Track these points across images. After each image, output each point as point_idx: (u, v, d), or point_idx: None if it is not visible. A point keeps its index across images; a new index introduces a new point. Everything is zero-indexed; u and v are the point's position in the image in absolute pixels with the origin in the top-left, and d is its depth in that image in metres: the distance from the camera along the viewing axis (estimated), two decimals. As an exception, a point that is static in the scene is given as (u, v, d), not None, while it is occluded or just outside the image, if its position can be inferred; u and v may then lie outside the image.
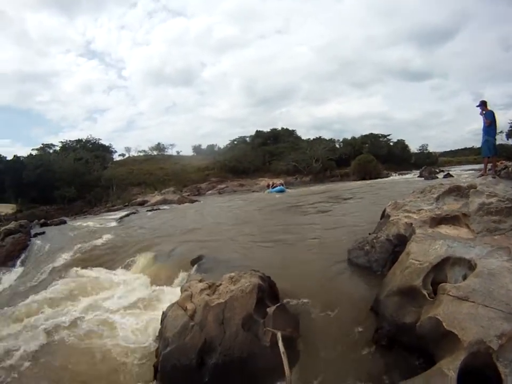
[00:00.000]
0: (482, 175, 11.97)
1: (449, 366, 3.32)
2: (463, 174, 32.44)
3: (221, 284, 5.44)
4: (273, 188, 41.23)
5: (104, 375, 5.54)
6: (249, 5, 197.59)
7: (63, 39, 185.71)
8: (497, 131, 12.80)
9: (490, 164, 13.13)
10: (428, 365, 3.76)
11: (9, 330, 7.43)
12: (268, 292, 5.37)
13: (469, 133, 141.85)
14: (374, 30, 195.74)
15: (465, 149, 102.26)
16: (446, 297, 3.87)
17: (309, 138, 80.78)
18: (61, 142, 78.16)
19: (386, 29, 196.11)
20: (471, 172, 32.31)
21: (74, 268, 11.26)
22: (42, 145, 75.23)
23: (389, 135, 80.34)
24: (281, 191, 37.78)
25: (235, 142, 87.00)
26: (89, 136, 79.62)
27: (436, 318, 3.74)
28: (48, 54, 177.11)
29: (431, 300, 4.10)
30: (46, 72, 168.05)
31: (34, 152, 68.65)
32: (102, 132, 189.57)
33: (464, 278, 4.17)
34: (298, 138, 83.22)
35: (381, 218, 7.57)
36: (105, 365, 5.76)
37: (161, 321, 5.54)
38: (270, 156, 73.10)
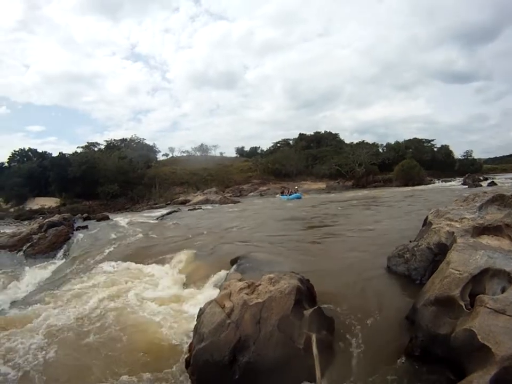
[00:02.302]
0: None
1: (480, 380, 3.30)
2: (507, 182, 31.73)
3: (260, 284, 5.47)
4: (290, 194, 40.75)
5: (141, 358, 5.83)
6: (289, 8, 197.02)
7: (108, 42, 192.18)
8: None
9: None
10: (459, 378, 3.72)
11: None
12: (306, 294, 5.36)
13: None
14: (415, 30, 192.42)
15: (511, 155, 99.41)
16: (483, 309, 3.83)
17: (352, 142, 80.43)
18: (106, 140, 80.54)
19: (428, 29, 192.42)
20: (516, 180, 31.51)
21: (115, 262, 11.53)
22: (87, 144, 77.32)
23: (432, 140, 79.46)
24: (297, 198, 37.78)
25: (278, 145, 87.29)
26: (133, 136, 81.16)
27: (471, 330, 3.70)
28: (94, 56, 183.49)
29: (468, 311, 4.05)
30: (92, 73, 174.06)
31: (79, 150, 70.77)
32: (146, 132, 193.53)
33: (503, 290, 4.11)
34: (341, 142, 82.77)
35: (422, 226, 7.46)
36: (145, 351, 6.02)
37: (198, 316, 5.58)
38: (313, 159, 72.95)
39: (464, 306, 4.11)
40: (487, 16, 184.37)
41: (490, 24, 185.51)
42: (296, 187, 47.18)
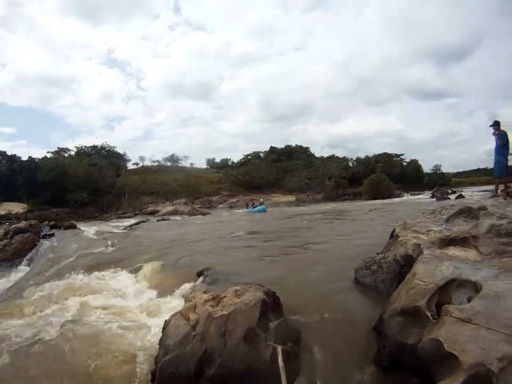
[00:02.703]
0: (494, 196, 11.91)
1: (448, 387, 3.29)
2: (475, 195, 32.34)
3: (225, 296, 5.43)
4: (254, 207, 40.81)
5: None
6: (268, 21, 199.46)
7: (86, 46, 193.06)
8: (510, 152, 12.72)
9: (503, 186, 13.06)
10: (429, 386, 3.72)
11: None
12: (271, 306, 5.32)
13: (483, 153, 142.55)
14: (391, 47, 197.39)
15: (479, 169, 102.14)
16: (449, 318, 3.85)
17: (322, 156, 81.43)
18: (76, 147, 79.95)
19: (403, 46, 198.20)
20: (483, 193, 32.15)
21: (79, 270, 11.35)
22: (57, 149, 76.58)
23: (402, 154, 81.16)
24: (262, 211, 37.31)
25: (249, 157, 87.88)
26: (104, 143, 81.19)
27: (437, 339, 3.72)
28: (71, 59, 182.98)
29: (434, 321, 4.08)
30: (68, 77, 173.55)
31: (49, 155, 70.01)
32: (118, 140, 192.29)
33: (469, 300, 4.13)
34: (312, 155, 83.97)
35: (389, 239, 7.53)
36: (108, 364, 5.76)
37: (163, 329, 5.55)
38: (283, 172, 73.81)
39: (430, 317, 4.14)
40: (459, 36, 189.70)
41: (462, 43, 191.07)
42: (261, 200, 47.24)
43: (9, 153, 69.47)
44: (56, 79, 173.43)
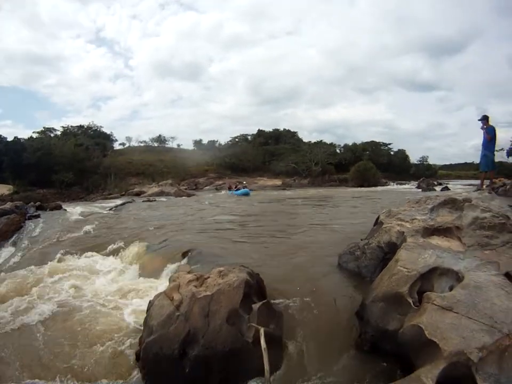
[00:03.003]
0: (479, 189, 12.00)
1: (428, 375, 3.35)
2: (460, 188, 32.52)
3: (209, 277, 5.45)
4: (237, 189, 39.63)
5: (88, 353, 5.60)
6: (261, 3, 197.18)
7: (74, 24, 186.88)
8: (498, 148, 12.80)
9: (488, 180, 13.16)
10: (408, 372, 3.77)
11: None
12: (255, 288, 5.37)
13: (470, 148, 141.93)
14: (384, 37, 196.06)
15: (466, 163, 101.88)
16: (430, 306, 3.90)
17: (310, 141, 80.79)
18: (63, 126, 78.22)
19: (396, 37, 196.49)
20: (469, 187, 32.28)
21: (65, 251, 11.30)
22: (43, 129, 75.16)
23: (390, 144, 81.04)
24: (245, 194, 35.71)
25: (236, 140, 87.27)
26: (91, 123, 79.68)
27: (418, 326, 3.77)
28: (58, 37, 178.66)
29: (416, 308, 4.13)
30: (54, 55, 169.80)
31: (35, 135, 68.89)
32: (104, 120, 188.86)
33: (451, 289, 4.18)
34: (300, 140, 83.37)
35: (374, 225, 7.55)
36: (91, 345, 5.79)
37: (147, 309, 5.54)
38: (270, 155, 73.37)
39: (412, 303, 4.19)
40: (453, 31, 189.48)
41: (456, 38, 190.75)
42: (244, 182, 46.56)
43: None
44: (43, 58, 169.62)
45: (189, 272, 5.88)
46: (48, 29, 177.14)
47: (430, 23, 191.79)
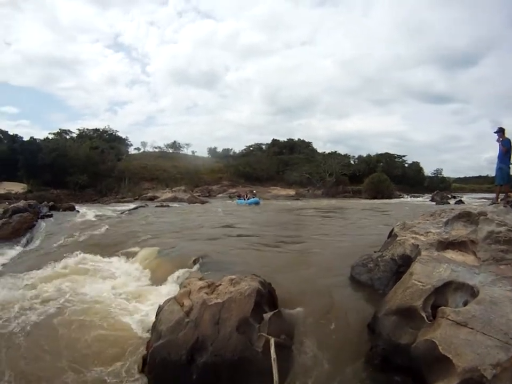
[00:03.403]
0: (494, 203, 11.85)
1: (441, 391, 3.27)
2: (474, 202, 32.27)
3: (220, 284, 5.42)
4: (247, 198, 39.00)
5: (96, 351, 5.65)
6: (277, 13, 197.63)
7: (93, 29, 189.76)
8: None
9: (504, 193, 12.99)
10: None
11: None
12: (267, 297, 5.32)
13: (485, 160, 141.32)
14: (398, 48, 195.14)
15: (480, 177, 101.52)
16: (445, 321, 3.84)
17: (324, 152, 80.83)
18: (78, 129, 79.32)
19: (410, 48, 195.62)
20: (483, 200, 32.03)
21: (76, 253, 11.30)
22: (59, 130, 75.96)
23: (404, 156, 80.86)
24: (255, 203, 35.69)
25: (251, 148, 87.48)
26: (106, 127, 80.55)
27: (432, 341, 3.71)
28: (76, 41, 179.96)
29: (429, 322, 4.05)
30: (73, 59, 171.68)
31: (51, 136, 69.80)
32: (120, 124, 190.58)
33: (465, 304, 4.11)
34: (314, 150, 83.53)
35: (388, 238, 7.48)
36: (101, 347, 5.81)
37: (156, 314, 5.53)
38: (284, 165, 73.42)
39: (425, 318, 4.12)
40: (468, 42, 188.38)
41: (471, 50, 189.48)
42: (254, 191, 46.17)
43: (11, 132, 69.70)
44: (61, 61, 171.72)
45: (200, 279, 5.85)
46: (67, 32, 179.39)
47: (444, 34, 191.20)
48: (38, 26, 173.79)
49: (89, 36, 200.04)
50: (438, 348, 3.59)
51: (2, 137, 68.99)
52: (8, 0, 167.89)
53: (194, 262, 8.75)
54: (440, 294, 4.35)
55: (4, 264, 12.11)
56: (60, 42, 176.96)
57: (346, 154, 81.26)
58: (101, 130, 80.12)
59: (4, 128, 71.91)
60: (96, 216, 21.09)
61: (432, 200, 40.21)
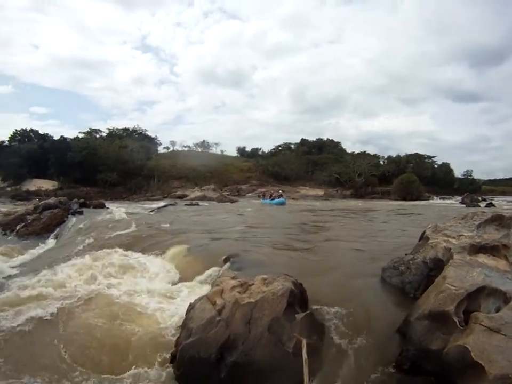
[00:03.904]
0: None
1: (472, 398, 3.25)
2: (506, 205, 31.72)
3: (253, 284, 5.45)
4: (272, 198, 37.36)
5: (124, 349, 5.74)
6: (303, 12, 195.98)
7: (120, 30, 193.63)
8: None
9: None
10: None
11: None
12: (298, 298, 5.33)
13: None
14: (426, 46, 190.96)
15: (511, 179, 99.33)
16: (478, 326, 3.81)
17: (353, 152, 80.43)
18: (108, 128, 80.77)
19: (438, 46, 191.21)
20: (514, 203, 31.49)
21: (107, 249, 11.48)
22: (89, 130, 77.38)
23: (434, 156, 79.73)
24: (281, 203, 34.33)
25: (280, 148, 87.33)
26: (136, 126, 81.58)
27: (465, 347, 3.68)
28: (104, 43, 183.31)
29: (462, 328, 4.02)
30: (101, 60, 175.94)
31: (81, 135, 71.23)
32: (149, 124, 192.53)
33: (497, 310, 4.08)
34: (343, 150, 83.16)
35: (419, 240, 7.40)
36: (125, 338, 5.97)
37: (187, 311, 5.57)
38: (313, 165, 73.23)
39: (458, 323, 4.09)
40: (498, 38, 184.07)
41: (501, 47, 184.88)
42: (280, 191, 44.24)
43: (41, 132, 72.31)
44: (90, 63, 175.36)
45: (233, 278, 5.88)
46: (94, 34, 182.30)
47: (473, 30, 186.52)
48: (65, 29, 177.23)
49: (116, 37, 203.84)
50: (471, 354, 3.56)
51: (33, 136, 70.86)
52: (33, 5, 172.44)
53: (225, 261, 8.80)
54: (473, 299, 4.30)
55: (32, 260, 12.40)
56: (87, 44, 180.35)
57: (375, 154, 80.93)
58: (130, 129, 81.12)
59: (34, 128, 73.86)
60: (126, 213, 21.33)
61: (462, 202, 39.59)
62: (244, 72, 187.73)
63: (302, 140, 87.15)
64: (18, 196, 45.30)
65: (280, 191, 43.99)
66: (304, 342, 4.28)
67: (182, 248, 10.76)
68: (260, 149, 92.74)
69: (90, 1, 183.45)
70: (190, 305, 5.66)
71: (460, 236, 6.16)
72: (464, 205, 34.95)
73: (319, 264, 8.45)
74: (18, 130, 73.03)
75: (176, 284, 8.58)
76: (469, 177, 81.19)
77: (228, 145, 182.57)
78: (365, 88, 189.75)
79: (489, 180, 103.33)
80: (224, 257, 8.97)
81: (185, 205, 30.11)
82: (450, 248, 5.77)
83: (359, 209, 26.95)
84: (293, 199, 49.38)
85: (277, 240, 11.61)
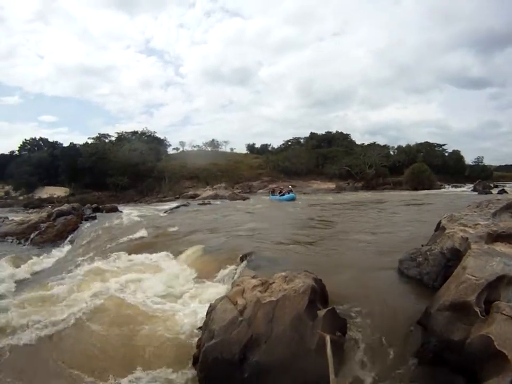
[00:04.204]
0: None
1: (496, 387, 3.24)
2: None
3: (274, 282, 5.46)
4: (282, 194, 35.31)
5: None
6: (306, 6, 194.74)
7: (124, 36, 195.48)
8: None
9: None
10: (471, 384, 3.68)
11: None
12: (319, 294, 5.34)
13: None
14: (431, 34, 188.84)
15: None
16: (500, 316, 3.82)
17: (363, 144, 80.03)
18: (117, 132, 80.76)
19: (443, 33, 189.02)
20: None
21: (123, 253, 11.61)
22: (98, 135, 77.56)
23: (444, 144, 78.78)
24: (291, 199, 32.39)
25: (289, 143, 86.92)
26: (144, 129, 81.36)
27: (488, 337, 3.69)
28: (108, 49, 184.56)
29: (483, 318, 4.02)
30: (106, 66, 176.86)
31: (90, 141, 71.58)
32: (157, 126, 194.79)
33: (517, 299, 4.08)
34: (352, 142, 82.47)
35: (435, 230, 7.37)
36: (151, 345, 6.02)
37: (208, 312, 5.60)
38: (323, 158, 72.75)
39: (479, 313, 4.08)
40: (504, 22, 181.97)
41: (508, 31, 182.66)
42: (289, 186, 44.07)
43: (50, 140, 73.49)
44: (94, 69, 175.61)
45: (253, 277, 5.92)
46: (98, 41, 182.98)
47: (479, 15, 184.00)
48: (69, 37, 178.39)
49: (120, 43, 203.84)
50: (494, 343, 3.57)
51: (42, 144, 71.66)
52: (36, 16, 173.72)
53: (241, 259, 8.84)
54: (493, 289, 4.29)
55: (47, 268, 12.49)
56: (92, 51, 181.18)
57: (385, 145, 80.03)
58: (139, 132, 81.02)
59: (43, 136, 74.64)
60: (139, 216, 21.40)
61: (474, 190, 39.20)
62: (249, 69, 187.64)
63: (311, 133, 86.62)
64: (31, 204, 45.49)
65: (290, 186, 43.47)
66: (327, 338, 4.30)
67: (197, 248, 10.83)
68: (270, 145, 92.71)
69: (93, 9, 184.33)
70: (210, 306, 5.68)
71: (476, 224, 6.12)
72: (477, 192, 34.62)
73: (334, 258, 8.48)
74: (28, 140, 74.18)
75: (193, 284, 8.62)
76: (480, 164, 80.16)
77: (237, 143, 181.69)
78: (371, 79, 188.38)
79: (500, 165, 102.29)
80: (240, 255, 9.02)
81: (198, 204, 30.12)
82: (467, 238, 5.71)
83: (371, 201, 26.78)
84: (304, 193, 49.17)
85: (291, 237, 11.63)
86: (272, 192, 41.18)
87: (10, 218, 19.68)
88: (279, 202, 32.09)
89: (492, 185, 44.69)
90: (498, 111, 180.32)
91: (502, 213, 6.44)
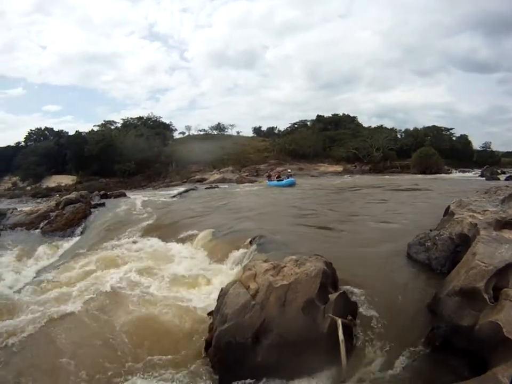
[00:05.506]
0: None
1: (504, 373, 3.31)
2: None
3: (285, 266, 5.50)
4: (280, 179, 31.91)
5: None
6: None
7: (126, 22, 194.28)
8: None
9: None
10: (478, 370, 3.75)
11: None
12: (330, 278, 5.41)
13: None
14: (438, 15, 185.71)
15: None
16: (509, 303, 3.86)
17: (370, 126, 79.43)
18: (123, 119, 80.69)
19: (451, 15, 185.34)
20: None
21: (134, 239, 11.70)
22: (104, 122, 77.61)
23: (452, 128, 77.80)
24: (290, 185, 29.41)
25: (296, 126, 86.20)
26: (150, 114, 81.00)
27: (496, 323, 3.72)
28: (111, 36, 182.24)
29: (491, 304, 4.06)
30: (110, 53, 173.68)
31: (96, 128, 71.47)
32: (163, 111, 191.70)
33: (526, 286, 4.11)
34: (360, 125, 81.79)
35: (444, 215, 7.41)
36: (164, 329, 6.13)
37: (219, 296, 5.68)
38: (330, 141, 72.21)
39: (488, 299, 4.12)
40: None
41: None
42: (289, 170, 40.87)
43: (56, 129, 74.13)
44: (98, 56, 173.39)
45: (265, 261, 5.97)
46: (100, 28, 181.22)
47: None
48: (71, 26, 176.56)
49: (123, 29, 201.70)
50: (502, 330, 3.61)
51: (48, 134, 71.95)
52: (35, 7, 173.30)
53: (251, 243, 8.90)
54: (502, 276, 4.33)
55: (60, 256, 12.63)
56: (95, 39, 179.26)
57: (392, 128, 79.16)
58: (144, 118, 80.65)
59: (49, 126, 74.91)
60: (148, 200, 21.49)
61: (481, 175, 38.88)
62: (256, 52, 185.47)
63: (318, 116, 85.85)
64: (39, 193, 45.29)
65: (289, 170, 40.54)
66: (339, 322, 4.37)
67: (208, 232, 10.93)
68: (276, 127, 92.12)
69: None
70: (222, 290, 5.77)
71: (485, 211, 6.14)
72: (484, 178, 34.42)
73: (343, 242, 8.56)
74: (33, 130, 74.72)
75: (205, 268, 8.71)
76: (487, 149, 79.07)
77: (244, 126, 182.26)
78: (378, 61, 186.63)
79: (508, 151, 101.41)
80: (249, 239, 9.09)
81: (205, 188, 30.23)
82: (476, 224, 5.74)
83: (379, 185, 26.62)
84: (312, 176, 49.14)
85: (298, 221, 11.75)
86: (269, 177, 36.25)
87: (19, 209, 19.65)
88: (278, 188, 29.35)
89: (499, 171, 44.40)
90: (507, 96, 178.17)
91: (511, 200, 6.45)
